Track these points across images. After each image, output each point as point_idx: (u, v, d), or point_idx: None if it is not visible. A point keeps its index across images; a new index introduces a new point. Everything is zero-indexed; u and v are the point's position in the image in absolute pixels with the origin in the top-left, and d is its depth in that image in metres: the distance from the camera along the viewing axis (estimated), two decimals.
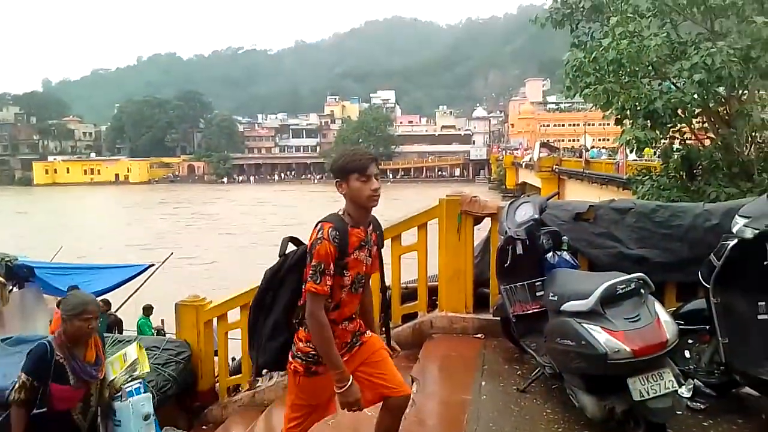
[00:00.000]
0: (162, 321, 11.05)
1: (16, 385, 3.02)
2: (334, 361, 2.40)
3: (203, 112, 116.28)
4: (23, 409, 3.01)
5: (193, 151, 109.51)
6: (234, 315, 5.32)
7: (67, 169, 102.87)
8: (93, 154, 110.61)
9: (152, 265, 10.02)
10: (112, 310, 9.62)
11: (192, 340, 5.48)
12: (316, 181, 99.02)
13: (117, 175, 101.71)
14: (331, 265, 2.38)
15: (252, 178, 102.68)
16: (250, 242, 34.26)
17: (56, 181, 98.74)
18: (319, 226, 2.42)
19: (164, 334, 9.77)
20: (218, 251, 31.44)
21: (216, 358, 5.66)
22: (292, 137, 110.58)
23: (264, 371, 2.67)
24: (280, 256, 2.66)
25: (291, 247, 2.70)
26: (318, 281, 2.36)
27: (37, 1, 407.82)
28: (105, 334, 5.47)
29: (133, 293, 10.09)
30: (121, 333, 9.05)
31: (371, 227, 2.59)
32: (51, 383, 3.03)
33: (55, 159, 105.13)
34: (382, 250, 2.75)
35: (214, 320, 5.50)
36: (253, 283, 5.17)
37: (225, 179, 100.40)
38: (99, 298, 9.10)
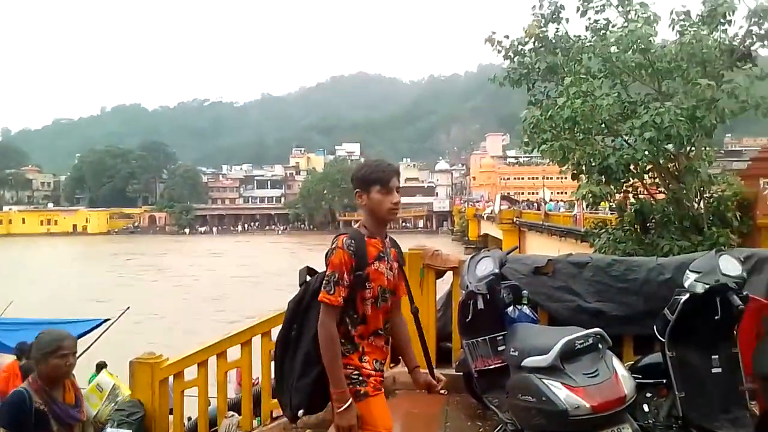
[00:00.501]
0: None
1: None
2: (337, 378, 2.29)
3: (167, 162, 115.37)
4: None
5: (155, 201, 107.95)
6: (191, 373, 5.14)
7: (23, 219, 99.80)
8: (51, 204, 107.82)
9: (107, 319, 9.67)
10: None
11: (146, 400, 5.25)
12: (280, 231, 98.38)
13: (75, 226, 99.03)
14: (346, 275, 2.32)
15: (215, 229, 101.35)
16: (206, 295, 33.63)
17: (11, 232, 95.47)
18: (335, 239, 2.41)
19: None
20: (174, 305, 30.63)
21: (171, 418, 5.43)
22: (257, 188, 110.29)
23: (301, 415, 2.44)
24: (300, 285, 2.57)
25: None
26: (331, 291, 2.30)
27: None
28: None
29: (86, 349, 9.65)
30: None
31: (388, 241, 2.57)
32: None
33: (10, 209, 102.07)
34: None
35: (170, 378, 5.30)
36: (210, 340, 5.05)
37: (187, 230, 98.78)
38: None
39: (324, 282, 2.32)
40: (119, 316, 9.98)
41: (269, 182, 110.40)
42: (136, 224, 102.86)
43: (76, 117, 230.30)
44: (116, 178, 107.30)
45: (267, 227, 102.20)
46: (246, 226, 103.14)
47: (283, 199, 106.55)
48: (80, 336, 9.24)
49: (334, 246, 2.36)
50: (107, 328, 9.61)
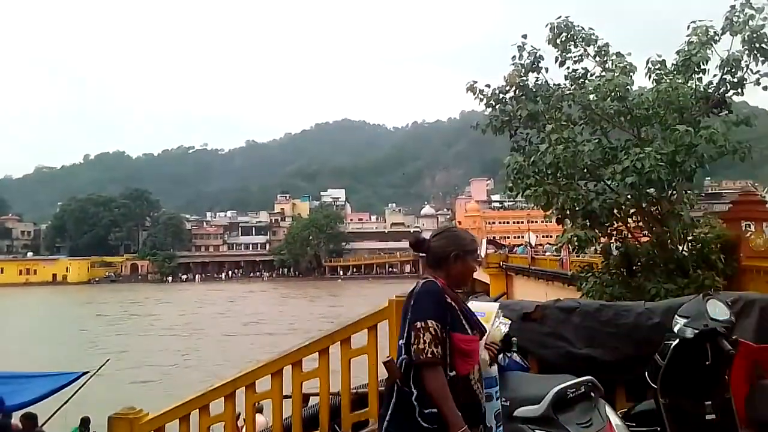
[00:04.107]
0: None
1: None
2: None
3: (150, 210, 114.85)
4: None
5: (138, 249, 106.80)
6: (173, 428, 4.98)
7: (1, 269, 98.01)
8: (30, 254, 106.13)
9: (86, 372, 9.39)
10: (39, 424, 8.84)
11: None
12: (265, 278, 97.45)
13: (54, 275, 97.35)
14: None
15: (198, 276, 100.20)
16: (188, 345, 33.03)
17: None
18: None
19: None
20: (156, 356, 29.94)
21: None
22: (242, 234, 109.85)
23: None
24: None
25: None
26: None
27: None
28: None
29: (63, 404, 9.34)
30: None
31: None
32: None
33: None
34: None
35: None
36: (193, 393, 4.91)
37: (170, 278, 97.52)
38: (22, 412, 8.44)
39: None
40: (99, 369, 9.72)
41: (254, 228, 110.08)
42: (117, 273, 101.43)
43: (58, 165, 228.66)
44: (98, 227, 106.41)
45: (252, 274, 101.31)
46: (230, 273, 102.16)
47: (268, 246, 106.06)
48: (59, 389, 8.96)
49: None
50: (86, 381, 9.33)
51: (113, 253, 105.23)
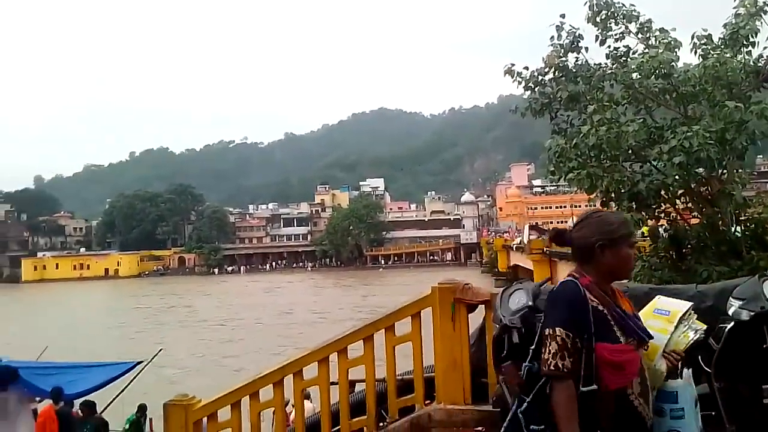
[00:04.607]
0: (150, 421, 10.62)
1: None
2: None
3: (194, 204, 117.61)
4: None
5: (185, 243, 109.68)
6: (225, 414, 5.13)
7: (57, 264, 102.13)
8: (83, 249, 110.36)
9: (140, 362, 9.75)
10: (98, 412, 9.23)
11: None
12: (309, 269, 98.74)
13: (107, 270, 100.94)
14: None
15: (243, 268, 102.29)
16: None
17: (45, 278, 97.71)
18: None
19: None
20: (209, 347, 30.81)
21: None
22: (284, 226, 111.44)
23: None
24: None
25: None
26: None
27: (30, 98, 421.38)
28: None
29: (121, 392, 9.75)
30: None
31: None
32: None
33: (44, 255, 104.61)
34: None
35: (204, 420, 5.29)
36: (242, 381, 5.04)
37: (216, 270, 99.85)
38: (82, 400, 8.82)
39: None
40: (152, 359, 10.09)
41: (295, 220, 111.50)
42: (166, 266, 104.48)
43: (106, 163, 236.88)
44: (145, 222, 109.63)
45: (295, 264, 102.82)
46: (274, 264, 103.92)
47: (309, 237, 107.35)
48: (115, 379, 9.34)
49: None
50: (140, 371, 9.69)
51: (161, 247, 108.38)
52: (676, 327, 2.51)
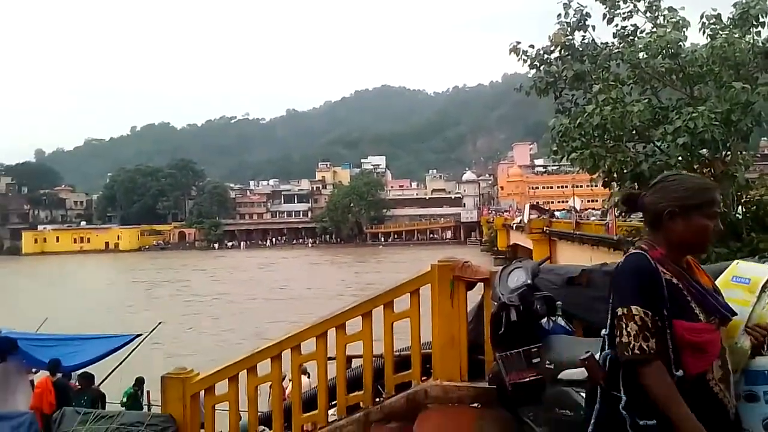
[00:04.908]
0: (148, 393, 10.70)
1: None
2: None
3: (195, 179, 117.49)
4: None
5: (185, 218, 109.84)
6: (222, 387, 5.16)
7: (57, 237, 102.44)
8: (83, 223, 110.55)
9: (139, 335, 9.80)
10: (96, 384, 9.29)
11: (177, 415, 5.27)
12: (309, 245, 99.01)
13: (107, 243, 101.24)
14: None
15: (243, 243, 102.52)
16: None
17: (45, 250, 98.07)
18: None
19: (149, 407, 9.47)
20: (207, 321, 31.03)
21: None
22: (284, 203, 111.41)
23: None
24: None
25: None
26: None
27: (33, 72, 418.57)
28: (87, 410, 5.26)
29: (118, 365, 9.81)
30: (104, 408, 8.73)
31: None
32: None
33: (45, 228, 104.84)
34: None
35: (201, 393, 5.32)
36: (240, 354, 5.06)
37: (216, 245, 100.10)
38: (79, 372, 8.88)
39: None
40: (151, 331, 10.13)
41: (296, 196, 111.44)
42: (166, 240, 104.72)
43: (107, 137, 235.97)
44: (146, 196, 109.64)
45: (295, 241, 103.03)
46: (274, 240, 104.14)
47: (310, 213, 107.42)
48: (113, 351, 9.39)
49: None
50: (139, 343, 9.73)
51: (162, 221, 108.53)
52: (759, 297, 2.16)
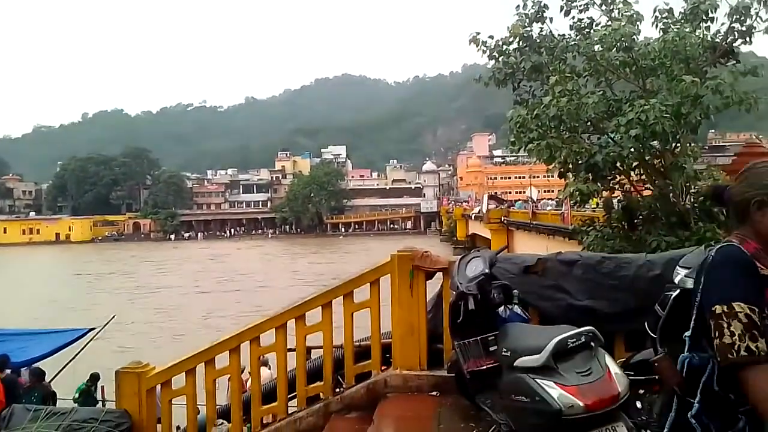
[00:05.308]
0: (102, 389, 10.43)
1: None
2: None
3: (150, 168, 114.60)
4: None
5: (140, 208, 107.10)
6: (179, 381, 5.07)
7: (4, 229, 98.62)
8: (32, 213, 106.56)
9: (92, 329, 9.53)
10: (47, 380, 9.00)
11: (133, 410, 5.16)
12: (269, 235, 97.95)
13: (57, 234, 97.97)
14: None
15: (201, 234, 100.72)
16: (188, 302, 33.63)
17: None
18: None
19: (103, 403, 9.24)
20: (159, 313, 30.39)
21: (159, 427, 5.34)
22: (243, 192, 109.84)
23: None
24: None
25: None
26: None
27: None
28: (38, 407, 5.09)
29: (70, 360, 9.52)
30: (56, 405, 8.46)
31: None
32: None
33: None
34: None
35: (158, 387, 5.22)
36: (198, 347, 4.98)
37: (172, 236, 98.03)
38: (30, 368, 8.58)
39: None
40: (104, 325, 9.85)
41: (255, 186, 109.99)
42: (120, 231, 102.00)
43: (57, 124, 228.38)
44: (99, 186, 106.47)
45: (254, 231, 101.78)
46: (233, 230, 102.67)
47: (269, 203, 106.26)
48: (65, 346, 9.11)
49: None
50: (93, 337, 9.48)
51: (115, 212, 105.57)
52: None
